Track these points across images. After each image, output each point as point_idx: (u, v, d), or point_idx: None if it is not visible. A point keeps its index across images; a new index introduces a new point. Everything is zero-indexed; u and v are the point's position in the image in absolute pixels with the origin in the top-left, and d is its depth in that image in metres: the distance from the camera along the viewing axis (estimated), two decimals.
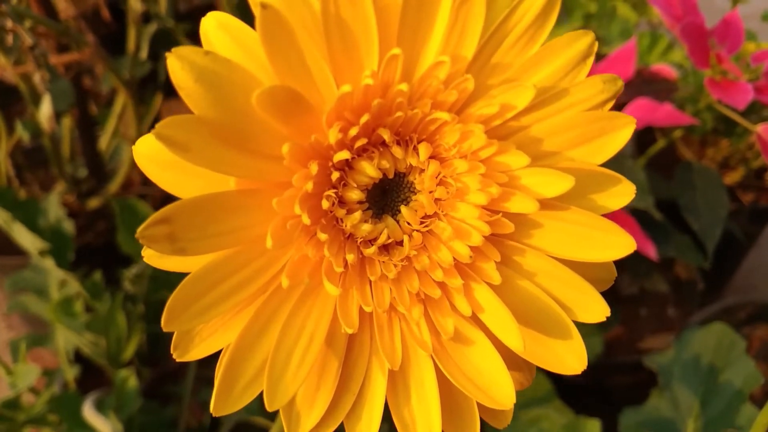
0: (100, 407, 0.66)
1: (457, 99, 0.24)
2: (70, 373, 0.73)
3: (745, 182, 0.92)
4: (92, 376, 0.79)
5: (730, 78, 0.74)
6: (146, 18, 0.79)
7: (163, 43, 0.82)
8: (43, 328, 0.80)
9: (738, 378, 0.68)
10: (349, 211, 0.24)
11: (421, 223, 0.25)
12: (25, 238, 0.67)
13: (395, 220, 0.26)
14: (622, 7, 0.90)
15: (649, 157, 0.84)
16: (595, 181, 0.25)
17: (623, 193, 0.25)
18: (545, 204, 0.25)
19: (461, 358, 0.25)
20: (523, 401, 0.71)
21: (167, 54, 0.20)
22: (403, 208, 0.25)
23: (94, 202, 0.81)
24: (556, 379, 0.71)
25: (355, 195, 0.24)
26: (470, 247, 0.24)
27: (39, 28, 0.66)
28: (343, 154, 0.23)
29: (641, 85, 0.83)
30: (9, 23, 0.62)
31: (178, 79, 0.20)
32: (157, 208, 0.24)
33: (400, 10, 0.22)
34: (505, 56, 0.25)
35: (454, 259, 0.25)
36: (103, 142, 0.82)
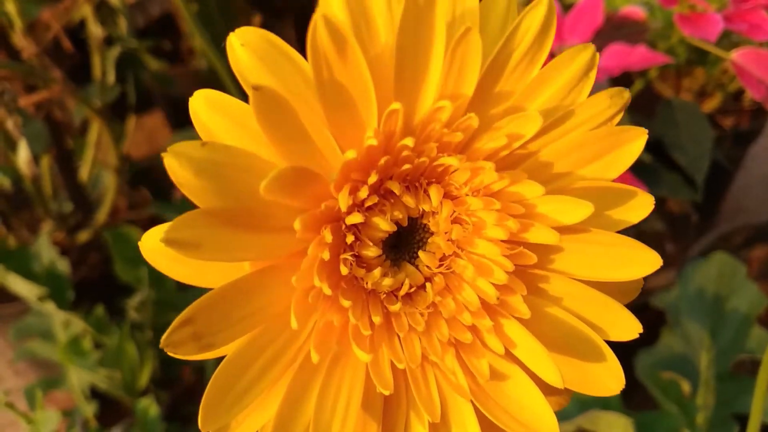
0: None
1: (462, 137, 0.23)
2: (89, 410, 0.73)
3: (724, 108, 0.92)
4: (110, 409, 0.79)
5: (699, 11, 0.73)
6: (109, 41, 0.77)
7: (128, 63, 0.80)
8: (51, 369, 0.79)
9: (743, 304, 0.69)
10: (369, 269, 0.24)
11: (440, 264, 0.25)
12: (21, 287, 0.66)
13: (414, 264, 0.25)
14: None
15: None
16: (611, 197, 0.25)
17: (641, 205, 0.25)
18: (564, 228, 0.24)
19: (500, 395, 0.25)
20: None
21: (163, 154, 0.19)
22: (420, 254, 0.25)
23: (84, 236, 0.80)
24: None
25: (371, 252, 0.23)
26: (496, 285, 0.24)
27: (3, 72, 0.64)
28: (356, 218, 0.22)
29: (612, 31, 0.82)
30: None
31: (178, 177, 0.19)
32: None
33: (395, 59, 0.21)
34: (506, 84, 0.24)
35: (481, 299, 0.24)
36: (84, 172, 0.80)
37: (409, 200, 0.24)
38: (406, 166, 0.22)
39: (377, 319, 0.23)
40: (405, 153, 0.22)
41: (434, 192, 0.24)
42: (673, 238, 0.97)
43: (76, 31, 0.76)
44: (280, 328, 0.23)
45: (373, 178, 0.22)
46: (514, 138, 0.23)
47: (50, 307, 0.69)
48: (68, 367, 0.72)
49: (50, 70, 0.63)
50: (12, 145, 0.64)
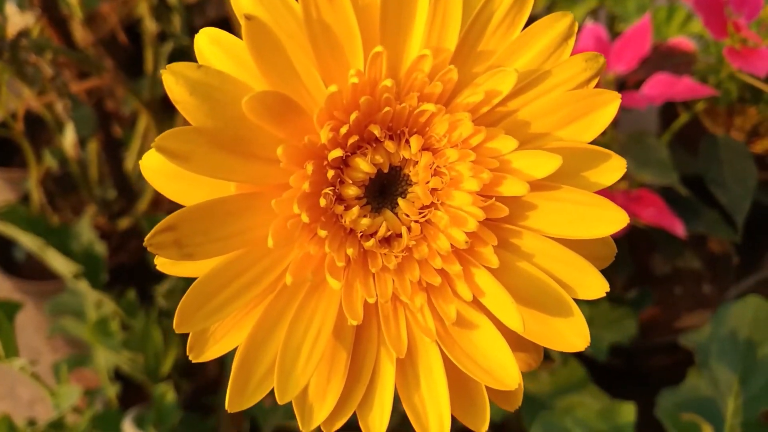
0: (140, 423, 0.68)
1: (443, 90, 0.25)
2: (112, 390, 0.75)
3: None
4: (134, 392, 0.82)
5: (750, 46, 0.73)
6: (163, 37, 0.81)
7: (180, 60, 0.84)
8: (84, 348, 0.82)
9: None
10: (347, 207, 0.25)
11: (420, 213, 0.26)
12: (59, 262, 0.69)
13: (394, 213, 0.27)
14: None
15: (673, 132, 0.83)
16: (586, 159, 0.26)
17: (614, 168, 0.26)
18: (538, 185, 0.25)
19: (466, 343, 0.26)
20: (557, 389, 0.70)
21: (162, 71, 0.21)
22: (400, 201, 0.26)
23: (124, 222, 0.84)
24: (592, 365, 0.71)
25: (351, 191, 0.25)
26: (467, 232, 0.25)
27: (60, 58, 0.68)
28: (337, 152, 0.24)
29: (659, 60, 0.82)
30: (32, 56, 0.64)
31: (174, 94, 0.22)
32: None
33: (380, 9, 0.23)
34: (488, 44, 0.25)
35: (452, 245, 0.25)
36: (130, 162, 0.84)
37: (390, 145, 0.25)
38: (387, 109, 0.24)
39: (351, 252, 0.25)
40: (386, 95, 0.24)
41: (414, 141, 0.25)
42: (712, 279, 0.95)
43: (133, 26, 0.80)
44: (261, 254, 0.25)
45: (354, 116, 0.23)
46: (492, 94, 0.25)
47: (84, 285, 0.72)
48: (96, 347, 0.75)
49: (103, 59, 0.67)
50: (62, 128, 0.68)
